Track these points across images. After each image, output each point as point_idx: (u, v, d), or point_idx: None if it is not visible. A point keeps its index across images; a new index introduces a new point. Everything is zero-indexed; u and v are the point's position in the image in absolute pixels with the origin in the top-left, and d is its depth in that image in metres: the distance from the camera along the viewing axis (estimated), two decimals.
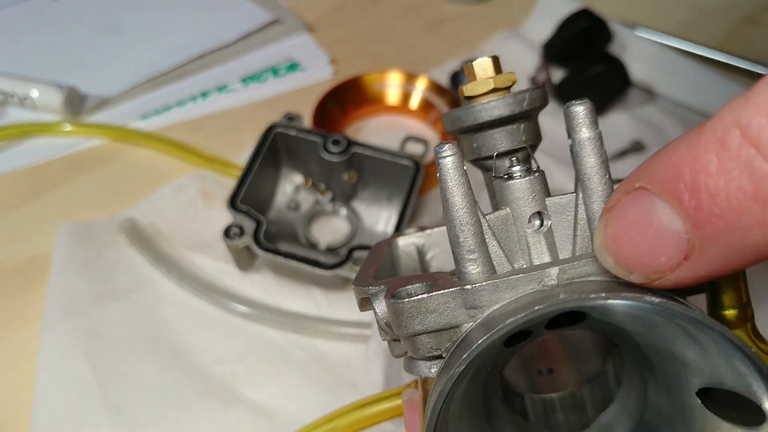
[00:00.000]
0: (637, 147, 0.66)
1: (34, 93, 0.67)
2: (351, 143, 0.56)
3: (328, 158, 0.56)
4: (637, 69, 0.71)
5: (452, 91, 0.70)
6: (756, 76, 0.74)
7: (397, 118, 0.71)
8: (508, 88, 0.30)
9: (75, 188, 0.63)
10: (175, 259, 0.56)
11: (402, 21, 0.84)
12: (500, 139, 0.30)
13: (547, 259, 0.27)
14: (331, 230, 0.59)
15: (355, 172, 0.58)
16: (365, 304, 0.28)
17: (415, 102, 0.71)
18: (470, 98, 0.30)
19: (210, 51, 0.76)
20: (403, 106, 0.71)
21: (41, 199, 0.61)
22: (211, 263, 0.56)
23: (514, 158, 0.29)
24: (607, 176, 0.25)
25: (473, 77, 0.30)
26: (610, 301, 0.21)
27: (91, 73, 0.73)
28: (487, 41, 0.78)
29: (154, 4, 0.82)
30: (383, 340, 0.29)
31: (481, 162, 0.31)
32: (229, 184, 0.57)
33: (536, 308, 0.22)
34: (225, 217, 0.54)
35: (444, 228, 0.36)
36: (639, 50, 0.75)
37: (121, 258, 0.56)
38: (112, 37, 0.78)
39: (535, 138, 0.31)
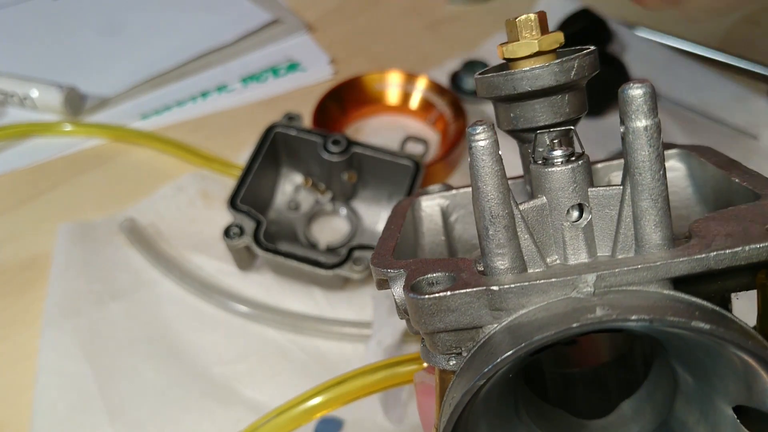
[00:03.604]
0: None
1: (34, 93, 0.67)
2: (351, 143, 0.56)
3: (328, 158, 0.56)
4: (637, 69, 0.71)
5: (452, 91, 0.70)
6: (756, 76, 0.74)
7: (397, 118, 0.71)
8: (553, 51, 0.26)
9: (75, 188, 0.63)
10: (175, 259, 0.56)
11: (402, 21, 0.84)
12: (541, 111, 0.27)
13: (583, 256, 0.24)
14: (331, 230, 0.59)
15: (355, 171, 0.58)
16: (383, 284, 0.27)
17: (415, 102, 0.70)
18: (510, 61, 0.26)
19: (210, 51, 0.76)
20: (403, 106, 0.71)
21: (41, 199, 0.61)
22: (211, 263, 0.56)
23: (555, 140, 0.26)
24: (661, 171, 0.22)
25: (515, 36, 0.26)
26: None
27: (91, 73, 0.73)
28: (487, 41, 0.78)
29: (153, 5, 0.82)
30: (401, 318, 0.27)
31: (517, 133, 0.28)
32: (229, 184, 0.57)
33: (572, 326, 0.20)
34: (225, 217, 0.54)
35: (470, 189, 0.35)
36: (639, 50, 0.75)
37: (121, 258, 0.56)
38: (112, 37, 0.78)
39: (580, 110, 0.27)
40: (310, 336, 0.52)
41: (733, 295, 0.24)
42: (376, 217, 0.59)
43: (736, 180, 0.26)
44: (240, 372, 0.50)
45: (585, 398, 0.32)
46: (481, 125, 0.22)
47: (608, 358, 0.33)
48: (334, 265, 0.50)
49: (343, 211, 0.60)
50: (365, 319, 0.51)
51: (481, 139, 0.22)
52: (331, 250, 0.57)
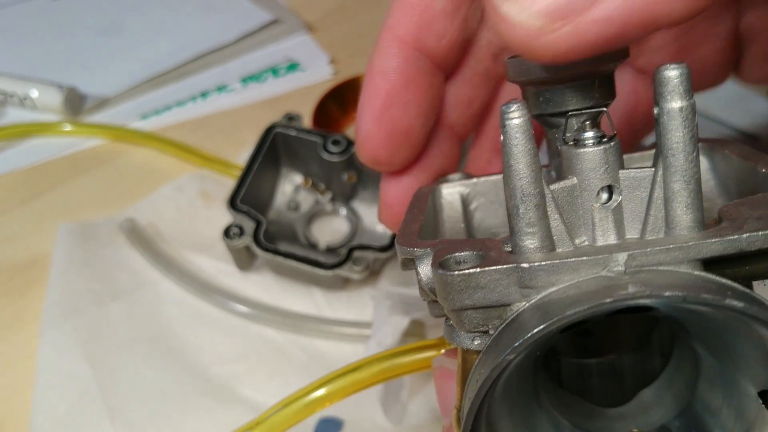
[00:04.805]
0: (637, 147, 0.66)
1: (34, 93, 0.67)
2: (351, 143, 0.56)
3: (328, 158, 0.56)
4: None
5: None
6: None
7: None
8: None
9: (75, 188, 0.63)
10: (174, 259, 0.56)
11: None
12: (571, 96, 0.27)
13: (612, 237, 0.24)
14: (331, 230, 0.59)
15: (355, 172, 0.58)
16: (408, 264, 0.27)
17: None
18: None
19: (210, 51, 0.76)
20: None
21: (41, 199, 0.61)
22: (211, 263, 0.56)
23: (587, 121, 0.26)
24: (695, 153, 0.22)
25: None
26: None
27: (91, 73, 0.73)
28: None
29: (153, 4, 0.82)
30: (423, 300, 0.27)
31: (545, 118, 0.28)
32: (229, 184, 0.57)
33: (605, 301, 0.20)
34: (225, 217, 0.54)
35: (491, 178, 0.34)
36: None
37: (121, 258, 0.56)
38: (112, 37, 0.78)
39: (609, 95, 0.27)
40: (310, 336, 0.52)
41: (757, 283, 0.24)
42: (375, 217, 0.59)
43: (763, 170, 0.26)
44: (240, 372, 0.50)
45: (601, 388, 0.32)
46: (515, 103, 0.22)
47: (625, 348, 0.32)
48: (333, 265, 0.51)
49: (343, 211, 0.60)
50: (365, 320, 0.51)
51: (515, 117, 0.22)
52: (331, 250, 0.57)
